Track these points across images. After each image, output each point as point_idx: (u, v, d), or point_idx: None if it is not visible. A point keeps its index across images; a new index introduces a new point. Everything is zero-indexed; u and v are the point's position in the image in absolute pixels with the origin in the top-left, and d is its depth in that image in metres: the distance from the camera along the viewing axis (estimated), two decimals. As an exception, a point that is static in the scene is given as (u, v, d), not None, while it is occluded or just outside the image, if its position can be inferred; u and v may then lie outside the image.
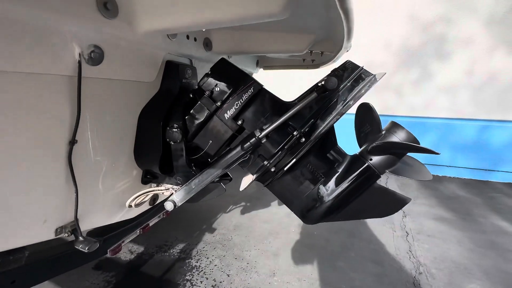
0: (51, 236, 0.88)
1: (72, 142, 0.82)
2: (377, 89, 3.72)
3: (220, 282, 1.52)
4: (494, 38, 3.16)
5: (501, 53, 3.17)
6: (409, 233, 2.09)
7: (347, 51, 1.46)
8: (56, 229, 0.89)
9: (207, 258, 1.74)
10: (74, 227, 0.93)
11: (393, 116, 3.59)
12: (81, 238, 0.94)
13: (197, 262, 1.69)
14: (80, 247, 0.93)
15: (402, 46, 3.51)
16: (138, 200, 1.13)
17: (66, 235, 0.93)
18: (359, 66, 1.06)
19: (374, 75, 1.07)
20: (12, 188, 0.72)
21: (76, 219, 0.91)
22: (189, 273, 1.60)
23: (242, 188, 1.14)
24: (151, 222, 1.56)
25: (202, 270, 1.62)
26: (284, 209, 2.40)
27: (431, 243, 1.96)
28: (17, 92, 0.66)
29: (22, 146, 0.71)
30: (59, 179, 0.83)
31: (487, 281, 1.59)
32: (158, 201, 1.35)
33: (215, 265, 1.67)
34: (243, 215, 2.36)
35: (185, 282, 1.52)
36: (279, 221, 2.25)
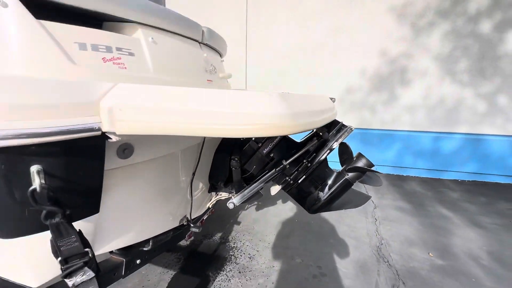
0: (177, 224, 1.59)
1: (193, 173, 1.54)
2: (356, 107, 4.58)
3: (254, 255, 2.28)
4: (442, 70, 4.12)
5: (447, 82, 4.13)
6: (377, 219, 2.93)
7: None
8: (179, 220, 1.61)
9: (240, 241, 2.48)
10: (187, 219, 1.64)
11: (368, 129, 4.48)
12: (192, 224, 1.65)
13: (234, 244, 2.44)
14: (194, 229, 1.64)
15: (374, 74, 4.40)
16: (213, 203, 1.85)
17: (184, 223, 1.63)
18: (339, 122, 1.85)
19: (350, 127, 1.86)
20: (169, 199, 1.43)
21: (190, 215, 1.63)
22: (231, 251, 2.34)
23: (273, 193, 1.89)
24: (204, 217, 2.30)
25: (239, 249, 2.36)
26: (287, 206, 3.19)
27: (391, 225, 2.81)
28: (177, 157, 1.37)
29: (175, 179, 1.43)
30: (185, 193, 1.54)
31: (424, 247, 2.45)
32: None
33: (247, 245, 2.42)
34: (258, 211, 3.11)
35: (230, 256, 2.26)
36: (285, 215, 3.02)
